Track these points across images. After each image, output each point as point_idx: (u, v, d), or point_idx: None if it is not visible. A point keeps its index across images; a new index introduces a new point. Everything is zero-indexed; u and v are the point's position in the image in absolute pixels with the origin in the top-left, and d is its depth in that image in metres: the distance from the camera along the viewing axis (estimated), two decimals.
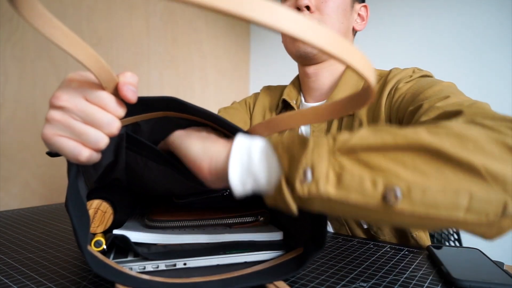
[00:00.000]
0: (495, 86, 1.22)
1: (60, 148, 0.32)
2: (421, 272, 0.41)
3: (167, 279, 0.35)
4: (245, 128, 0.73)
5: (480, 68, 1.25)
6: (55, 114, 0.32)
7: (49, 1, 0.96)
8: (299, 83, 0.78)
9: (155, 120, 0.43)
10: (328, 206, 0.30)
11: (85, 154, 0.32)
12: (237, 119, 0.79)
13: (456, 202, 0.27)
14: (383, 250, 0.49)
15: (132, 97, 0.33)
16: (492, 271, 0.39)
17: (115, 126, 0.33)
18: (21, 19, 0.89)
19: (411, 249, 0.50)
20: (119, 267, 0.35)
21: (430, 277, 0.39)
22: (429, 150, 0.28)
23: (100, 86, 0.32)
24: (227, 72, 1.65)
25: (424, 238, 0.65)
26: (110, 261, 0.35)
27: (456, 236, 0.87)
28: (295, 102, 0.74)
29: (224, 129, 0.41)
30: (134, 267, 0.38)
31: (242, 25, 1.75)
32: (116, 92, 0.33)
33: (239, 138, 0.34)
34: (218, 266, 0.40)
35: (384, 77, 0.66)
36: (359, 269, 0.42)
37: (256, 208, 0.50)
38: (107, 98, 0.33)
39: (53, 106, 0.32)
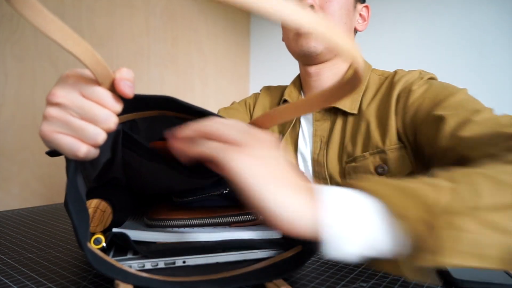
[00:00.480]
0: (495, 86, 1.22)
1: (58, 145, 0.32)
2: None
3: (167, 277, 0.35)
4: None
5: (480, 68, 1.25)
6: (52, 111, 0.32)
7: (49, 1, 0.96)
8: (300, 83, 0.79)
9: (152, 119, 0.43)
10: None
11: (83, 150, 0.32)
12: (237, 119, 0.79)
13: None
14: None
15: (128, 92, 0.33)
16: (492, 271, 0.39)
17: (112, 121, 0.33)
18: (21, 19, 0.89)
19: None
20: (119, 264, 0.35)
21: (430, 277, 0.39)
22: None
23: (97, 82, 0.32)
24: (227, 71, 1.65)
25: None
26: (110, 259, 0.35)
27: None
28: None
29: None
30: (133, 265, 0.38)
31: (242, 24, 1.75)
32: (112, 88, 0.33)
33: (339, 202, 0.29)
34: (217, 264, 0.40)
35: (389, 78, 0.66)
36: (359, 269, 0.42)
37: None
38: (104, 93, 0.33)
39: (50, 103, 0.32)
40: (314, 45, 0.66)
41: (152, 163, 0.44)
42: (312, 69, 0.72)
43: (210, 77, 1.54)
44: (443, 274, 0.39)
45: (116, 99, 0.33)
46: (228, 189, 0.51)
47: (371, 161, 0.61)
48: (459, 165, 0.35)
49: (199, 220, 0.46)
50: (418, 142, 0.57)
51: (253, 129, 0.33)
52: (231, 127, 0.32)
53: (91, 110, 0.32)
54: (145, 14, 1.24)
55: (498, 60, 1.22)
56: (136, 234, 0.42)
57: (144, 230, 0.43)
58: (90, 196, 0.43)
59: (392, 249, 0.28)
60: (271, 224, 0.29)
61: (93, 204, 0.41)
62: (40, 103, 0.93)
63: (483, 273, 0.39)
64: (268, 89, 0.85)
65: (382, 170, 0.60)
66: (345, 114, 0.67)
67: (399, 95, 0.61)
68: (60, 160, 1.00)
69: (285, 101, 0.76)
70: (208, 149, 0.31)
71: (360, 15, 0.73)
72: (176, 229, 0.45)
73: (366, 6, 0.74)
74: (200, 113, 0.40)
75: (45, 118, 0.32)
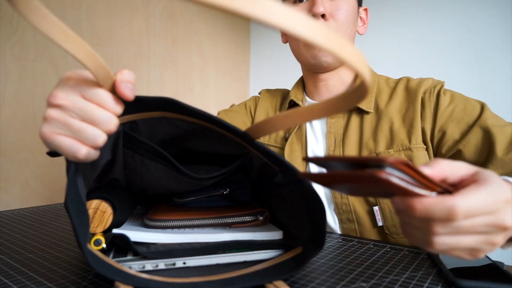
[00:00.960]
0: (495, 86, 1.22)
1: (58, 146, 0.32)
2: (421, 272, 0.41)
3: (167, 278, 0.35)
4: None
5: (480, 68, 1.25)
6: (53, 113, 0.32)
7: (49, 1, 0.96)
8: (303, 85, 0.79)
9: (152, 120, 0.43)
10: None
11: (83, 152, 0.32)
12: (238, 121, 0.80)
13: None
14: (383, 250, 0.49)
15: (129, 95, 0.33)
16: (492, 271, 0.39)
17: (112, 123, 0.33)
18: (21, 19, 0.89)
19: (411, 249, 0.50)
20: (119, 265, 0.35)
21: (430, 277, 0.39)
22: None
23: (97, 84, 0.32)
24: (227, 72, 1.65)
25: None
26: (110, 260, 0.35)
27: None
28: (301, 103, 0.75)
29: (224, 130, 0.41)
30: (133, 266, 0.38)
31: (242, 25, 1.75)
32: (113, 90, 0.33)
33: None
34: (217, 265, 0.40)
35: (402, 83, 0.69)
36: (359, 269, 0.42)
37: (255, 207, 0.50)
38: (104, 95, 0.33)
39: (50, 105, 0.32)
40: (325, 57, 0.68)
41: (154, 164, 0.44)
42: (321, 76, 0.73)
43: (210, 77, 1.54)
44: (443, 274, 0.39)
45: (117, 100, 0.33)
46: (228, 190, 0.51)
47: (396, 157, 0.63)
48: None
49: (199, 221, 0.46)
50: (462, 152, 0.60)
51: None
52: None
53: (92, 112, 0.32)
54: (145, 15, 1.24)
55: (498, 61, 1.22)
56: (136, 235, 0.42)
57: (144, 230, 0.43)
58: (90, 196, 0.43)
59: None
60: None
61: (93, 204, 0.41)
62: (40, 103, 0.93)
63: (483, 273, 0.39)
64: (268, 92, 0.86)
65: None
66: (360, 112, 0.69)
67: (424, 99, 0.65)
68: (60, 160, 1.00)
69: (292, 101, 0.77)
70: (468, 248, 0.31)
71: (361, 18, 0.75)
72: (176, 229, 0.45)
73: (365, 9, 0.76)
74: (200, 115, 0.40)
75: (45, 119, 0.32)
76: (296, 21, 0.21)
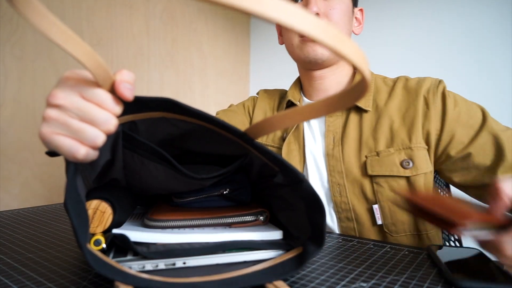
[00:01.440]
0: (495, 86, 1.22)
1: (57, 146, 0.32)
2: (421, 272, 0.41)
3: (167, 278, 0.35)
4: None
5: (480, 68, 1.25)
6: (52, 113, 0.32)
7: (49, 1, 0.96)
8: (300, 85, 0.79)
9: (152, 121, 0.43)
10: None
11: (82, 152, 0.32)
12: (236, 121, 0.80)
13: None
14: (383, 250, 0.49)
15: (128, 95, 0.33)
16: (492, 271, 0.39)
17: (112, 123, 0.33)
18: (21, 19, 0.89)
19: (411, 249, 0.50)
20: (118, 265, 0.35)
21: (430, 277, 0.39)
22: None
23: (97, 84, 0.32)
24: (227, 72, 1.65)
25: (436, 238, 0.66)
26: (110, 260, 0.35)
27: (456, 237, 0.87)
28: (298, 103, 0.75)
29: (223, 130, 0.41)
30: (133, 266, 0.38)
31: (242, 26, 1.75)
32: (112, 90, 0.33)
33: None
34: (217, 265, 0.40)
35: (400, 83, 0.69)
36: (359, 269, 0.42)
37: (255, 207, 0.50)
38: (104, 95, 0.33)
39: (49, 105, 0.32)
40: (321, 52, 0.68)
41: (153, 164, 0.43)
42: (316, 74, 0.73)
43: (210, 77, 1.54)
44: (443, 274, 0.39)
45: (116, 101, 0.33)
46: (228, 189, 0.51)
47: (397, 156, 0.64)
48: None
49: (199, 221, 0.46)
50: (469, 155, 0.61)
51: None
52: None
53: (91, 112, 0.32)
54: (145, 15, 1.24)
55: (498, 60, 1.22)
56: (136, 235, 0.42)
57: (144, 231, 0.43)
58: (89, 196, 0.43)
59: None
60: None
61: (92, 205, 0.41)
62: (40, 103, 0.93)
63: (483, 273, 0.39)
64: (266, 92, 0.86)
65: (407, 164, 0.63)
66: (359, 111, 0.69)
67: (427, 101, 0.65)
68: (60, 160, 1.00)
69: (290, 101, 0.77)
70: None
71: (356, 18, 0.75)
72: (176, 229, 0.45)
73: (361, 10, 0.76)
74: (199, 116, 0.40)
75: (44, 119, 0.32)
76: (295, 16, 0.21)
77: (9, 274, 0.39)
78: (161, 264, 0.39)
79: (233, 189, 0.51)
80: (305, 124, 0.74)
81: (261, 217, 0.48)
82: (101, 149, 0.38)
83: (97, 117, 0.32)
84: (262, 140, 0.78)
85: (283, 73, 1.69)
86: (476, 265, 0.41)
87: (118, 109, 0.34)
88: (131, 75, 0.33)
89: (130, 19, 1.19)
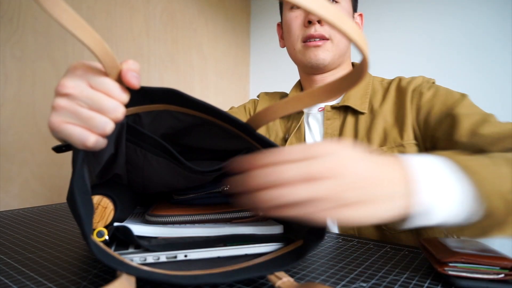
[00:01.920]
0: (495, 86, 1.22)
1: (67, 135, 0.32)
2: (421, 272, 0.41)
3: (168, 271, 0.35)
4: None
5: (479, 68, 1.25)
6: (61, 102, 0.32)
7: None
8: (301, 88, 0.80)
9: (156, 113, 0.43)
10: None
11: (92, 140, 0.33)
12: None
13: None
14: (383, 250, 0.49)
15: (135, 83, 0.34)
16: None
17: (120, 111, 0.33)
18: (21, 19, 0.89)
19: (411, 249, 0.50)
20: (121, 258, 0.35)
21: (430, 277, 0.39)
22: None
23: (104, 73, 0.33)
24: (227, 73, 1.65)
25: (435, 234, 0.66)
26: (113, 252, 0.35)
27: (455, 237, 0.87)
28: None
29: (227, 124, 0.42)
30: (135, 259, 0.38)
31: (242, 25, 1.75)
32: (119, 79, 0.33)
33: (426, 172, 0.35)
34: (219, 258, 0.40)
35: (394, 83, 0.70)
36: (359, 269, 0.42)
37: None
38: (111, 84, 0.33)
39: (59, 94, 0.33)
40: (323, 58, 0.69)
41: (156, 157, 0.44)
42: (318, 78, 0.75)
43: (210, 78, 1.54)
44: (443, 274, 0.39)
45: (123, 89, 0.34)
46: (228, 186, 0.51)
47: (389, 153, 0.65)
48: None
49: (200, 216, 0.47)
50: (435, 137, 0.62)
51: (314, 152, 0.31)
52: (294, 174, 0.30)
53: (100, 100, 0.33)
54: (145, 15, 1.24)
55: (498, 61, 1.22)
56: (138, 229, 0.42)
57: (145, 225, 0.44)
58: (92, 192, 0.43)
59: (465, 218, 0.36)
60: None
61: (94, 200, 0.42)
62: (40, 103, 0.93)
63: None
64: (266, 94, 0.88)
65: None
66: (355, 113, 0.70)
67: (412, 97, 0.65)
68: (60, 160, 1.00)
69: None
70: (294, 212, 0.31)
71: (356, 23, 0.76)
72: (177, 225, 0.46)
73: (360, 15, 0.78)
74: (203, 107, 0.40)
75: (54, 109, 0.32)
76: None
77: (9, 274, 0.39)
78: (163, 256, 0.39)
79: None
80: (306, 126, 0.75)
81: (261, 212, 0.49)
82: (107, 142, 0.38)
83: (106, 105, 0.33)
84: None
85: (283, 74, 1.69)
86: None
87: (125, 97, 0.34)
88: (136, 65, 0.34)
89: (130, 20, 1.19)
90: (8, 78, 0.87)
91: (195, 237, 0.43)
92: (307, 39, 0.69)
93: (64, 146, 0.43)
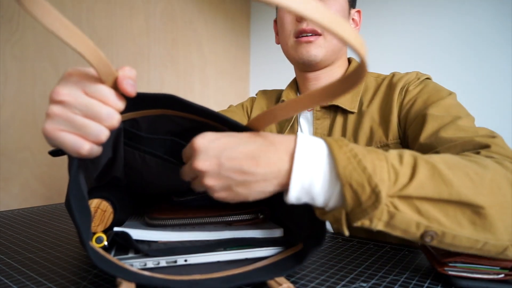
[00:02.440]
0: (495, 86, 1.22)
1: (61, 143, 0.32)
2: (421, 272, 0.41)
3: (168, 275, 0.35)
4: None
5: (478, 68, 1.25)
6: (56, 109, 0.32)
7: (50, 2, 0.96)
8: (296, 86, 0.80)
9: (153, 118, 0.43)
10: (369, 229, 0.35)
11: (86, 148, 0.32)
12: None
13: (473, 246, 0.34)
14: (383, 250, 0.49)
15: (131, 91, 0.33)
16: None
17: (115, 118, 0.33)
18: (21, 19, 0.89)
19: (411, 249, 0.50)
20: (120, 263, 0.35)
21: (430, 277, 0.39)
22: (473, 207, 0.33)
23: (100, 80, 0.32)
24: (227, 72, 1.65)
25: None
26: (112, 257, 0.35)
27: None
28: None
29: (225, 126, 0.41)
30: (135, 264, 0.38)
31: (242, 25, 1.75)
32: (115, 86, 0.33)
33: (302, 154, 0.34)
34: (218, 263, 0.40)
35: (387, 79, 0.69)
36: (359, 269, 0.42)
37: (255, 205, 0.50)
38: (107, 91, 0.33)
39: (53, 101, 0.32)
40: (315, 54, 0.68)
41: (155, 160, 0.44)
42: (311, 75, 0.74)
43: (210, 78, 1.54)
44: (443, 274, 0.39)
45: (119, 96, 0.34)
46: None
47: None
48: None
49: (200, 219, 0.46)
50: (406, 136, 0.61)
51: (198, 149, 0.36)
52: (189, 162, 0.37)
53: (94, 108, 0.32)
54: (145, 15, 1.24)
55: (497, 61, 1.22)
56: (137, 233, 0.42)
57: (145, 229, 0.44)
58: (90, 196, 0.43)
59: (325, 200, 0.35)
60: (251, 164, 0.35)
61: (93, 204, 0.41)
62: (40, 103, 0.93)
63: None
64: (264, 93, 0.88)
65: None
66: (344, 112, 0.69)
67: (399, 94, 0.64)
68: (60, 160, 1.00)
69: (283, 101, 0.77)
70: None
71: (353, 20, 0.75)
72: (177, 228, 0.45)
73: (358, 11, 0.77)
74: (201, 111, 0.40)
75: (48, 116, 0.32)
76: None
77: (9, 274, 0.39)
78: (163, 261, 0.39)
79: None
80: (301, 125, 0.75)
81: (261, 215, 0.48)
82: (104, 147, 0.38)
83: (101, 112, 0.32)
84: None
85: (283, 73, 1.69)
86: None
87: (121, 104, 0.34)
88: (133, 72, 0.34)
89: (130, 19, 1.19)
90: (8, 78, 0.87)
91: (195, 241, 0.43)
92: (299, 34, 0.68)
93: (60, 150, 0.43)
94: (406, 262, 0.44)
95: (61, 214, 0.73)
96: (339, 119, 0.69)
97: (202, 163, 0.35)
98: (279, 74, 1.72)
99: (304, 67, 0.72)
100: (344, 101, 0.69)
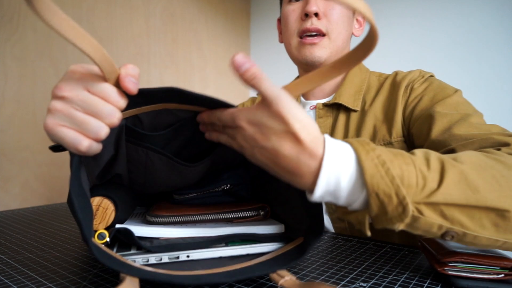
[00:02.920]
0: (495, 86, 1.22)
1: (61, 138, 0.32)
2: (421, 272, 0.41)
3: (171, 271, 0.35)
4: None
5: (479, 69, 1.25)
6: (57, 104, 0.32)
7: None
8: None
9: (155, 113, 0.43)
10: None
11: (85, 144, 0.32)
12: None
13: (492, 245, 0.35)
14: (383, 250, 0.49)
15: (133, 89, 0.33)
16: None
17: (116, 116, 0.33)
18: (22, 19, 0.89)
19: (411, 249, 0.50)
20: (123, 259, 0.35)
21: (430, 277, 0.39)
22: (498, 211, 0.33)
23: (102, 78, 0.33)
24: (227, 72, 1.65)
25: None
26: (114, 253, 0.35)
27: None
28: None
29: None
30: (137, 260, 0.38)
31: (242, 25, 1.75)
32: (117, 84, 0.33)
33: (330, 158, 0.33)
34: (221, 258, 0.41)
35: (390, 78, 0.69)
36: (359, 269, 0.42)
37: (255, 203, 0.50)
38: (109, 89, 0.33)
39: (55, 97, 0.32)
40: (319, 55, 0.68)
41: (157, 155, 0.44)
42: None
43: (210, 77, 1.54)
44: (443, 274, 0.39)
45: (121, 94, 0.34)
46: (229, 185, 0.51)
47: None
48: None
49: (201, 216, 0.47)
50: (411, 134, 0.61)
51: (260, 121, 0.35)
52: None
53: (95, 105, 0.32)
54: (145, 15, 1.24)
55: (497, 61, 1.22)
56: (139, 230, 0.42)
57: (146, 226, 0.44)
58: (92, 194, 0.43)
59: (348, 203, 0.35)
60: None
61: (95, 201, 0.42)
62: (40, 103, 0.93)
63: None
64: None
65: None
66: (347, 110, 0.69)
67: (404, 92, 0.64)
68: (60, 160, 1.00)
69: None
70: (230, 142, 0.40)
71: (357, 20, 0.75)
72: (179, 225, 0.46)
73: None
74: (202, 100, 0.40)
75: (49, 111, 0.32)
76: None
77: (9, 274, 0.39)
78: (165, 257, 0.39)
79: (234, 185, 0.51)
80: None
81: (262, 212, 0.49)
82: (105, 144, 0.38)
83: (102, 109, 0.32)
84: None
85: (283, 73, 1.69)
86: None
87: (122, 102, 0.34)
88: (136, 70, 0.34)
89: (130, 19, 1.19)
90: (8, 78, 0.87)
91: (196, 237, 0.43)
92: (303, 33, 0.68)
93: (60, 145, 0.43)
94: (406, 262, 0.44)
95: (61, 214, 0.73)
96: (342, 118, 0.69)
97: (245, 125, 0.35)
98: (279, 74, 1.72)
99: (307, 67, 0.72)
100: (346, 99, 0.69)
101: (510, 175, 0.35)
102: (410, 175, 0.32)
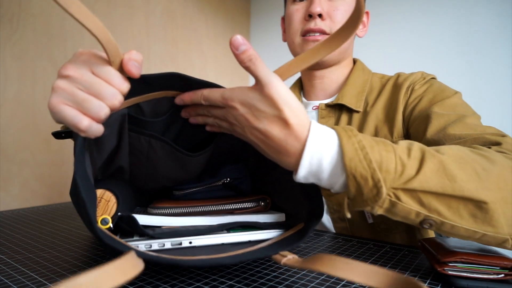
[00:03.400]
0: (494, 87, 1.22)
1: (62, 116, 0.33)
2: (421, 272, 0.41)
3: (174, 256, 0.35)
4: None
5: (479, 69, 1.25)
6: (61, 83, 0.33)
7: (50, 1, 0.96)
8: (300, 84, 0.80)
9: (155, 101, 0.43)
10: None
11: (85, 123, 0.33)
12: None
13: (471, 236, 0.36)
14: (383, 250, 0.49)
15: (135, 72, 0.34)
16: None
17: (117, 98, 0.34)
18: (22, 19, 0.89)
19: (411, 249, 0.50)
20: (127, 244, 0.35)
21: (430, 277, 0.39)
22: (476, 202, 0.35)
23: (107, 62, 0.34)
24: (227, 71, 1.65)
25: (429, 233, 0.66)
26: (118, 238, 0.35)
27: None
28: None
29: None
30: (140, 246, 0.38)
31: (242, 25, 1.75)
32: (121, 69, 0.34)
33: (313, 140, 0.35)
34: (223, 245, 0.41)
35: (392, 80, 0.70)
36: None
37: (256, 194, 0.51)
38: (113, 72, 0.34)
39: (60, 76, 0.33)
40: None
41: (160, 143, 0.45)
42: (317, 73, 0.74)
43: (210, 77, 1.54)
44: (443, 274, 0.39)
45: (124, 79, 0.35)
46: (229, 179, 0.51)
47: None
48: None
49: (202, 208, 0.47)
50: (409, 134, 0.62)
51: (253, 101, 0.37)
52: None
53: (98, 86, 0.33)
54: (145, 14, 1.24)
55: (498, 61, 1.22)
56: (142, 219, 0.42)
57: (149, 215, 0.44)
58: (94, 187, 0.43)
59: (330, 185, 0.37)
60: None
61: (97, 193, 0.42)
62: (40, 103, 0.93)
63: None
64: None
65: None
66: (349, 111, 0.69)
67: (405, 93, 0.65)
68: (60, 160, 1.00)
69: None
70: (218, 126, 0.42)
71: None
72: (181, 216, 0.46)
73: (366, 12, 0.76)
74: (206, 86, 0.40)
75: (53, 89, 0.33)
76: None
77: (9, 274, 0.39)
78: (168, 243, 0.39)
79: (234, 178, 0.52)
80: None
81: (263, 203, 0.49)
82: (108, 133, 0.38)
83: (104, 91, 0.33)
84: None
85: None
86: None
87: (125, 86, 0.35)
88: (139, 55, 0.35)
89: (130, 19, 1.19)
90: (8, 78, 0.87)
91: (199, 226, 0.43)
92: (306, 33, 0.68)
93: (63, 132, 0.43)
94: (406, 262, 0.44)
95: (61, 214, 0.73)
96: (344, 118, 0.69)
97: (238, 106, 0.37)
98: None
99: (312, 66, 0.72)
100: (349, 100, 0.69)
101: (493, 169, 0.36)
102: (389, 162, 0.34)
